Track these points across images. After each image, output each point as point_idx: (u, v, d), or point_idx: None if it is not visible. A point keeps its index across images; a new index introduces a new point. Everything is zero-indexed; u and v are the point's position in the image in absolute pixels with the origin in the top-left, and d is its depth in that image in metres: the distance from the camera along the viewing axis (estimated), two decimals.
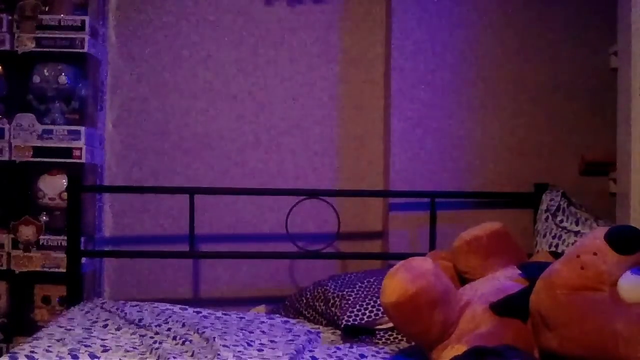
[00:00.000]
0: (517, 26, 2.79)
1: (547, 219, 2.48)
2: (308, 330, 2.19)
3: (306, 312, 2.43)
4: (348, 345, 2.05)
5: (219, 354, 1.77)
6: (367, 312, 2.19)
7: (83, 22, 2.67)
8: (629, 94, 2.25)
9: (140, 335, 2.04)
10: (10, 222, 2.66)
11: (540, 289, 1.57)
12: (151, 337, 2.00)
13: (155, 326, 2.11)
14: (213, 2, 2.91)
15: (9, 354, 1.78)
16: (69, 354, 1.81)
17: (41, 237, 2.65)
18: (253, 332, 2.09)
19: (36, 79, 2.65)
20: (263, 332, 2.12)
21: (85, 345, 1.89)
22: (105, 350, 1.86)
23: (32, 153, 2.66)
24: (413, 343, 1.97)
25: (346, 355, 1.92)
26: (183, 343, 1.93)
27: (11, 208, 2.66)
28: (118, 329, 2.13)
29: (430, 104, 2.79)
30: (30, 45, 2.66)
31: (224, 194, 2.79)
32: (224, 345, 1.85)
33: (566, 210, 2.46)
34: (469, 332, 1.68)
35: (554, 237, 2.37)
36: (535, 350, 1.62)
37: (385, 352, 1.99)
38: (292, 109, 2.92)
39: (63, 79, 2.66)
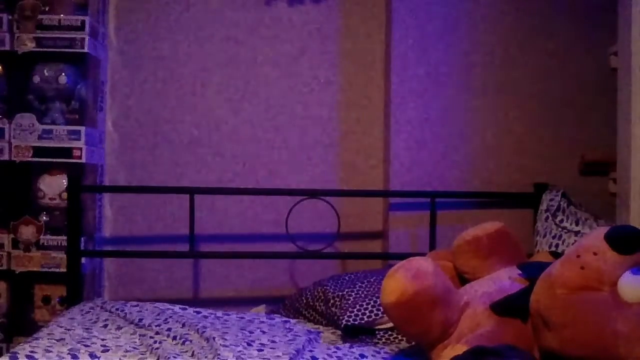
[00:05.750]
0: (517, 26, 2.79)
1: (547, 219, 2.48)
2: (308, 330, 2.19)
3: (306, 312, 2.42)
4: (348, 345, 2.05)
5: (219, 354, 1.77)
6: (367, 312, 2.19)
7: (83, 22, 2.66)
8: (629, 94, 2.25)
9: (140, 335, 2.04)
10: (10, 222, 2.65)
11: (540, 289, 1.57)
12: (151, 337, 2.00)
13: (155, 326, 2.11)
14: (213, 2, 2.91)
15: (9, 354, 1.78)
16: (68, 354, 1.81)
17: (41, 237, 2.65)
18: (253, 332, 2.09)
19: (36, 79, 2.65)
20: (263, 332, 2.12)
21: (85, 345, 1.89)
22: (105, 350, 1.86)
23: (32, 153, 2.65)
24: (413, 343, 1.97)
25: (346, 355, 1.92)
26: (183, 343, 1.93)
27: (11, 208, 2.66)
28: (118, 329, 2.13)
29: (430, 103, 2.79)
30: (30, 45, 2.65)
31: (224, 194, 2.79)
32: (224, 345, 1.85)
33: (566, 210, 2.46)
34: (469, 332, 1.68)
35: (554, 237, 2.36)
36: (535, 350, 1.62)
37: (385, 352, 1.99)
38: (292, 109, 2.91)
39: (63, 79, 2.66)
